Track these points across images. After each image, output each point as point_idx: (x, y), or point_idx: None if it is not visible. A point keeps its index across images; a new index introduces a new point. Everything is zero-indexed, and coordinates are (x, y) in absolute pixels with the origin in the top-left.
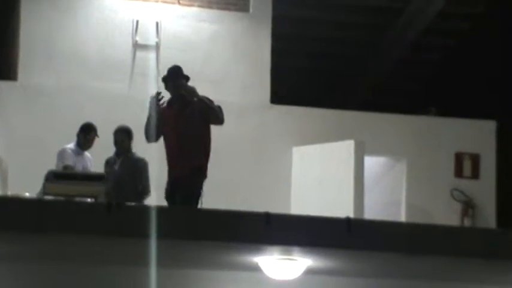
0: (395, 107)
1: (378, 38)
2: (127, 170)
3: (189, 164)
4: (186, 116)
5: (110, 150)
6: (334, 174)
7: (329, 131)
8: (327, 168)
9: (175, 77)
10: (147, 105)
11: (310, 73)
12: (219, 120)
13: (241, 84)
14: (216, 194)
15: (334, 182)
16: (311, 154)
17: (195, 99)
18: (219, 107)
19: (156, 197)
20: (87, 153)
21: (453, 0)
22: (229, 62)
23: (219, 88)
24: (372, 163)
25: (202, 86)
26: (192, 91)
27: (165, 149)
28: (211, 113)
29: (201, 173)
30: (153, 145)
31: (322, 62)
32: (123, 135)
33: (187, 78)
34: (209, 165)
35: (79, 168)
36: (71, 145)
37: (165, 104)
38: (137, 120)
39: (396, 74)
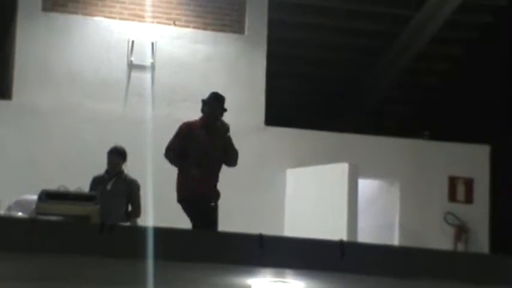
0: (389, 130)
1: (373, 61)
2: (120, 191)
3: (215, 189)
4: (219, 145)
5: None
6: (328, 196)
7: (323, 154)
8: (321, 191)
9: (220, 106)
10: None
11: (305, 95)
12: (235, 163)
13: (236, 105)
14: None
15: (328, 204)
16: (305, 176)
17: (226, 135)
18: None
19: (147, 218)
20: None
21: (446, 25)
22: (224, 83)
23: None
24: (366, 186)
25: (197, 107)
26: (227, 128)
27: (191, 165)
28: (232, 155)
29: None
30: (143, 167)
31: (317, 84)
32: (117, 157)
33: (225, 110)
34: None
35: None
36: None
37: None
38: (132, 140)
39: (391, 97)
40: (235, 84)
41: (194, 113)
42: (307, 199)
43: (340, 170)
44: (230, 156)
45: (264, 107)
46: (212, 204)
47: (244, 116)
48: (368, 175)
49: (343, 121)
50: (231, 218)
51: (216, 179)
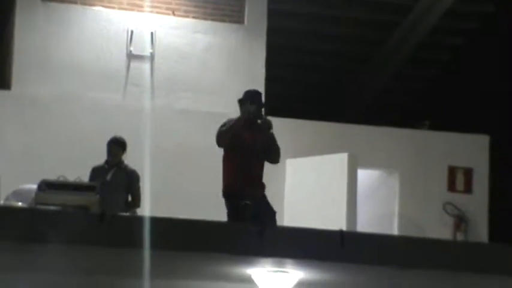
0: (389, 121)
1: (373, 51)
2: (120, 182)
3: (263, 188)
4: (260, 143)
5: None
6: (328, 186)
7: (323, 144)
8: (320, 181)
9: (259, 102)
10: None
11: (305, 85)
12: (277, 159)
13: (236, 95)
14: (209, 206)
15: (327, 194)
16: (304, 167)
17: (270, 132)
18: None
19: (146, 209)
20: None
21: (447, 15)
22: (224, 73)
23: (214, 99)
24: (365, 176)
25: (196, 97)
26: (270, 124)
27: (232, 162)
28: (275, 152)
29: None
30: (142, 157)
31: (317, 75)
32: (117, 147)
33: (263, 106)
34: (202, 177)
35: None
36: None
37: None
38: (131, 131)
39: (390, 87)
40: (234, 74)
41: (193, 103)
42: (306, 189)
43: (339, 160)
44: (273, 153)
45: (264, 97)
46: (246, 203)
47: None
48: (367, 165)
49: (343, 111)
50: None
51: (253, 176)
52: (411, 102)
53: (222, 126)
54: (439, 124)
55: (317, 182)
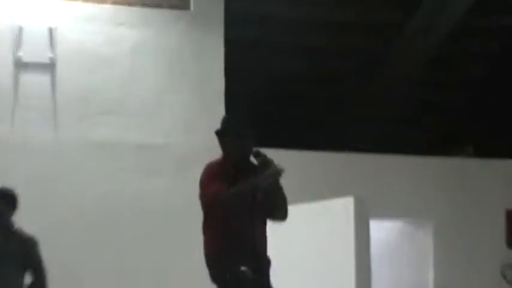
0: (413, 147)
1: (386, 48)
2: (11, 252)
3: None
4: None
5: None
6: (327, 245)
7: (318, 184)
8: (317, 237)
9: (243, 132)
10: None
11: (285, 98)
12: (283, 215)
13: (183, 118)
14: (148, 283)
15: (327, 255)
16: (294, 217)
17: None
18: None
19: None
20: None
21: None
22: (164, 85)
23: (150, 124)
24: (384, 229)
25: (122, 122)
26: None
27: (217, 223)
28: (280, 203)
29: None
30: (44, 216)
31: (303, 83)
32: (3, 203)
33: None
34: (134, 242)
35: None
36: None
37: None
38: (25, 176)
39: (413, 100)
40: (179, 85)
41: (118, 132)
42: (298, 249)
43: (343, 206)
44: (275, 206)
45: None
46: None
47: (195, 133)
48: (385, 214)
49: (344, 135)
50: (197, 277)
51: (249, 240)
52: (447, 120)
53: (209, 177)
54: (487, 149)
55: (312, 238)
